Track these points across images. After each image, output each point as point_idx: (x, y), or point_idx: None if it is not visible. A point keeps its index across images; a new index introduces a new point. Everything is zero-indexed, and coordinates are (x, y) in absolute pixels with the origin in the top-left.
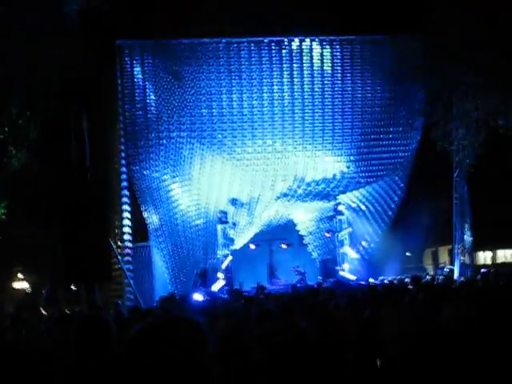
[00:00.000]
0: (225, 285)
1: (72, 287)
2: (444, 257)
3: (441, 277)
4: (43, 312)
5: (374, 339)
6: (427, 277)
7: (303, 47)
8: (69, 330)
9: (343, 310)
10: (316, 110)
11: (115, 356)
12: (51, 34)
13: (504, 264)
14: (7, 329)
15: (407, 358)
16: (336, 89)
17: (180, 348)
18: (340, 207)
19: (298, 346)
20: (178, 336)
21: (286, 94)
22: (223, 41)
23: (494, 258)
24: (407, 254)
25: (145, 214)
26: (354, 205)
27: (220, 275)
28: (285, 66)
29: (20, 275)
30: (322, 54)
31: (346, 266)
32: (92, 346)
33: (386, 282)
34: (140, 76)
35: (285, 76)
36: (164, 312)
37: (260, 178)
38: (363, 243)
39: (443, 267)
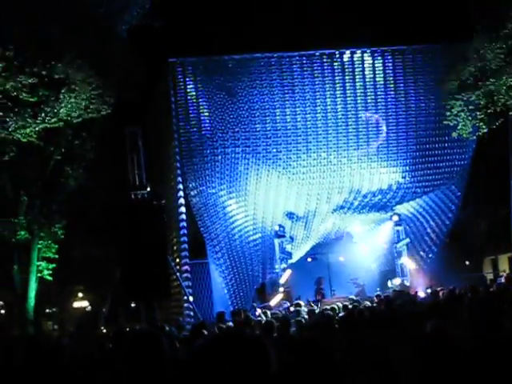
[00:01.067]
0: (283, 299)
1: (132, 305)
2: (504, 265)
3: (500, 285)
4: (103, 330)
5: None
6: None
7: (355, 59)
8: (124, 346)
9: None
10: (370, 122)
11: (169, 373)
12: (104, 53)
13: None
14: (64, 347)
15: (472, 369)
16: (389, 99)
17: (241, 365)
18: (394, 217)
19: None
20: (238, 353)
21: (339, 106)
22: (275, 55)
23: None
24: (466, 262)
25: (202, 230)
26: (411, 215)
27: (281, 289)
28: (337, 78)
29: (80, 294)
30: (373, 65)
31: (396, 280)
32: (144, 362)
33: (442, 291)
34: (193, 93)
35: (337, 88)
36: (222, 328)
37: (316, 191)
38: (421, 253)
39: (502, 275)
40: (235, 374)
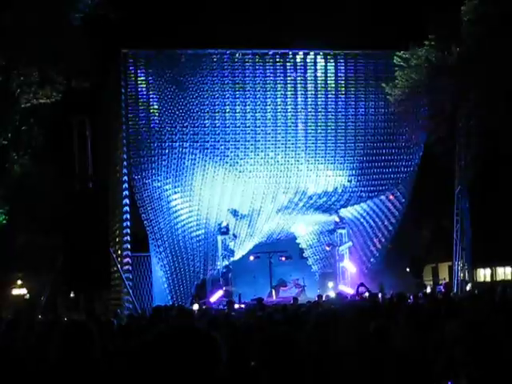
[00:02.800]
0: (222, 296)
1: (71, 294)
2: (444, 273)
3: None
4: (41, 318)
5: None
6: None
7: (307, 60)
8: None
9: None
10: (319, 124)
11: (98, 363)
12: (57, 41)
13: (503, 281)
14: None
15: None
16: (339, 102)
17: (190, 359)
18: (337, 220)
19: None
20: (189, 346)
21: (289, 106)
22: (228, 52)
23: (493, 275)
24: (407, 269)
25: (145, 224)
26: (355, 219)
27: (226, 288)
28: (289, 78)
29: (20, 281)
30: (326, 68)
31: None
32: (73, 352)
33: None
34: (144, 85)
35: (288, 89)
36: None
37: (261, 190)
38: (363, 258)
39: (442, 283)
40: (184, 367)
